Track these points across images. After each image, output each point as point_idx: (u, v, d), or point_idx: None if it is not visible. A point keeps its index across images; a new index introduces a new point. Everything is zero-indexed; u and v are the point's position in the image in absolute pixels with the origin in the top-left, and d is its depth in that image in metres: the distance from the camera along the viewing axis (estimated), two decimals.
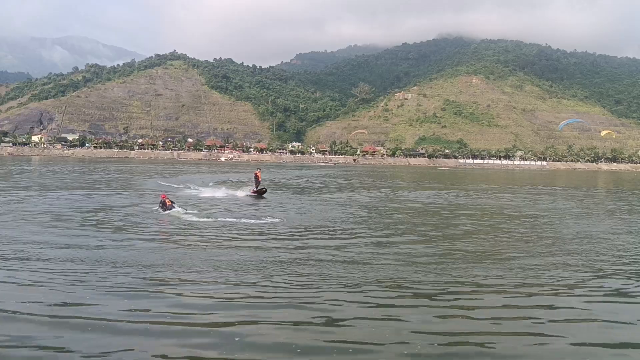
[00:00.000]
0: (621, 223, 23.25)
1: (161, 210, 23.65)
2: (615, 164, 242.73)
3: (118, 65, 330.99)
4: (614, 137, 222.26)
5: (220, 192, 35.23)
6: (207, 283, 10.97)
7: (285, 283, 11.05)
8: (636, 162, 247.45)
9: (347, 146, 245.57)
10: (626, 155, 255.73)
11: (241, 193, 34.41)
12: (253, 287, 10.69)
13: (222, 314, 9.06)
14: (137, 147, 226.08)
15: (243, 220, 20.93)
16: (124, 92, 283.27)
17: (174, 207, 23.85)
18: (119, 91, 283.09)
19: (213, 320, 8.66)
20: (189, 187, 39.94)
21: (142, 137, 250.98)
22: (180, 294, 10.10)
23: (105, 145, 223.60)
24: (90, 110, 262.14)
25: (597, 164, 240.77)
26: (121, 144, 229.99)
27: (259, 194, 33.58)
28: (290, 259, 13.43)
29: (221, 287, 10.67)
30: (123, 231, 17.57)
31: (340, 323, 8.76)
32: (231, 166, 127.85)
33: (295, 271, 12.07)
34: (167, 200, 24.40)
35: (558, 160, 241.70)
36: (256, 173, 35.54)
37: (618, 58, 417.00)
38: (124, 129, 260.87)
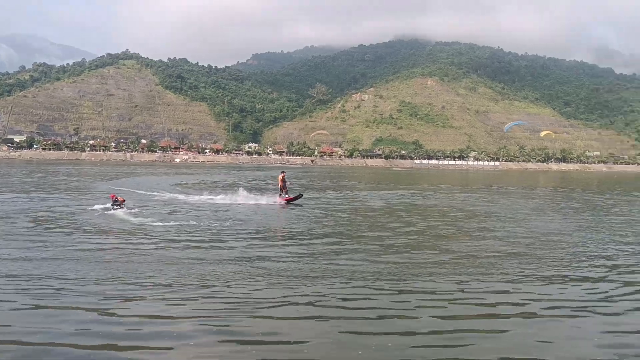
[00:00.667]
0: (568, 220, 23.27)
1: (112, 210, 23.11)
2: (564, 164, 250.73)
3: (68, 64, 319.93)
4: (553, 137, 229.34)
5: (239, 198, 30.44)
6: (148, 298, 9.97)
7: (229, 295, 10.22)
8: (584, 162, 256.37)
9: (304, 147, 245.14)
10: (575, 155, 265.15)
11: (264, 200, 30.12)
12: (195, 302, 9.76)
13: (160, 331, 8.15)
14: (89, 149, 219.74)
15: (192, 223, 20.06)
16: (74, 92, 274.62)
17: (123, 207, 23.11)
18: (68, 91, 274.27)
19: (146, 344, 7.73)
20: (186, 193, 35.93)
21: (93, 138, 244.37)
22: (117, 311, 9.09)
23: (54, 146, 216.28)
24: (39, 111, 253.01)
25: (547, 164, 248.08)
26: (71, 145, 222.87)
27: (293, 200, 29.82)
28: (235, 267, 12.52)
29: (161, 302, 9.72)
30: (67, 236, 16.32)
31: (291, 338, 8.08)
32: (187, 167, 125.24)
33: (242, 281, 11.19)
34: (118, 197, 24.12)
35: (510, 161, 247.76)
36: (282, 176, 31.05)
37: (566, 61, 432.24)
38: (74, 130, 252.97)
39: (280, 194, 30.56)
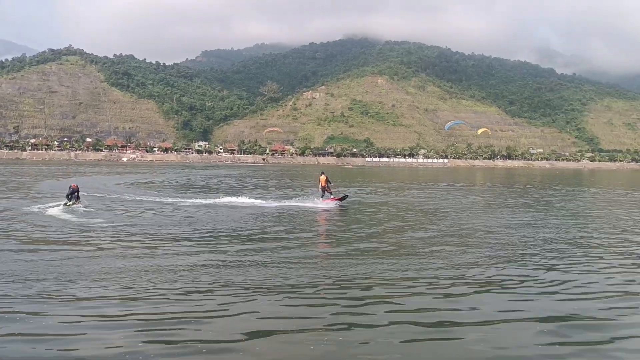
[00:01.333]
0: (516, 216, 23.51)
1: (66, 204, 23.92)
2: (510, 160, 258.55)
3: (7, 60, 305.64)
4: (489, 134, 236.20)
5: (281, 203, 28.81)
6: (92, 299, 9.13)
7: (176, 297, 9.50)
8: (528, 159, 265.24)
9: (255, 145, 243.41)
10: (519, 153, 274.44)
11: (310, 204, 28.21)
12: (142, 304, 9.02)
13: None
14: (30, 148, 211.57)
15: (142, 225, 19.03)
16: (14, 89, 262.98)
17: (79, 203, 24.32)
18: (7, 88, 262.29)
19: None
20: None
21: (35, 137, 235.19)
22: (59, 314, 8.27)
23: None
24: None
25: (493, 161, 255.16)
26: (11, 144, 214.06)
27: (340, 201, 28.88)
28: (181, 271, 11.78)
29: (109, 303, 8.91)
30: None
31: (242, 341, 7.47)
32: (134, 167, 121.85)
33: (187, 285, 10.49)
34: (72, 185, 25.23)
35: (458, 158, 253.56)
36: (325, 177, 29.83)
37: (511, 61, 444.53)
38: (14, 128, 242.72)
39: (322, 195, 29.61)
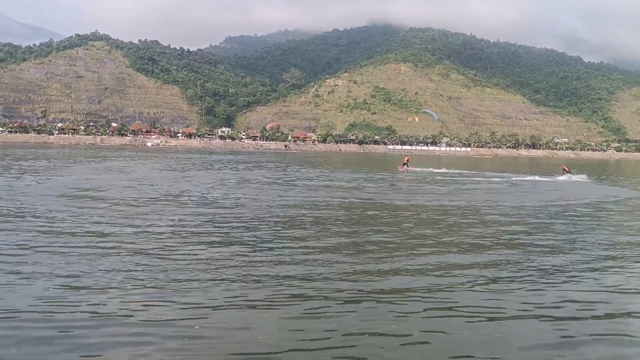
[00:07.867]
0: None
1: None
2: (534, 150, 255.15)
3: (34, 45, 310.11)
4: (417, 121, 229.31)
5: None
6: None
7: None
8: (553, 148, 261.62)
9: (278, 132, 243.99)
10: (544, 142, 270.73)
11: None
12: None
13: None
14: (57, 132, 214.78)
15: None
16: (42, 74, 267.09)
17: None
18: (35, 72, 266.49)
19: None
20: None
21: (62, 121, 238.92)
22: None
23: (21, 129, 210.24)
24: (4, 92, 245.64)
25: (517, 150, 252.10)
26: (39, 128, 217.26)
27: None
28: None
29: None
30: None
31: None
32: (159, 152, 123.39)
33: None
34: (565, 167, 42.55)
35: (481, 147, 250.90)
36: None
37: (537, 49, 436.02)
38: (42, 112, 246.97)
39: None
